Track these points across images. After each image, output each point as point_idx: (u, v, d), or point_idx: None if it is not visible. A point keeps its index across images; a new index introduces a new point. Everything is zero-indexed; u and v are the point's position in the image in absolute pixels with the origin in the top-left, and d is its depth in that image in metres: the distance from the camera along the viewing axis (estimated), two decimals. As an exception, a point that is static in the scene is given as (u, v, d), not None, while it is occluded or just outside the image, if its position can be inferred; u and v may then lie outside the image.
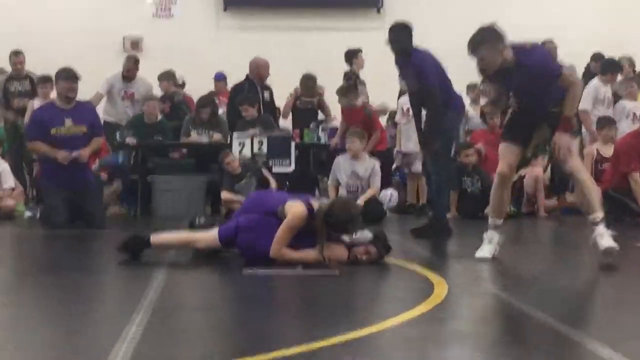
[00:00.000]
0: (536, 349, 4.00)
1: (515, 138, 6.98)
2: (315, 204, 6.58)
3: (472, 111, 13.32)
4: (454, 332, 4.28)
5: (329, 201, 6.78)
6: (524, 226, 10.53)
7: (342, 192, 11.05)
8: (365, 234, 6.68)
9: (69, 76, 9.97)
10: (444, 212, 9.33)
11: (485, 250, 6.95)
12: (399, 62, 9.15)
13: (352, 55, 13.11)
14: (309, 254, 6.49)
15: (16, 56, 13.32)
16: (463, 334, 4.24)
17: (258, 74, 12.71)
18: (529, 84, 6.72)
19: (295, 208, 6.47)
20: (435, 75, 8.93)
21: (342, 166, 11.20)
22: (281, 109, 13.40)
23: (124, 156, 12.20)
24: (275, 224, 6.50)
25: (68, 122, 9.93)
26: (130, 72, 13.15)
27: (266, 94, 12.76)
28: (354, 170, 11.13)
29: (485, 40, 6.60)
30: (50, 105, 10.31)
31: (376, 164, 11.29)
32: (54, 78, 10.53)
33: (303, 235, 6.50)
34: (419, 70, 8.92)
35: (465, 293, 5.57)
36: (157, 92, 13.65)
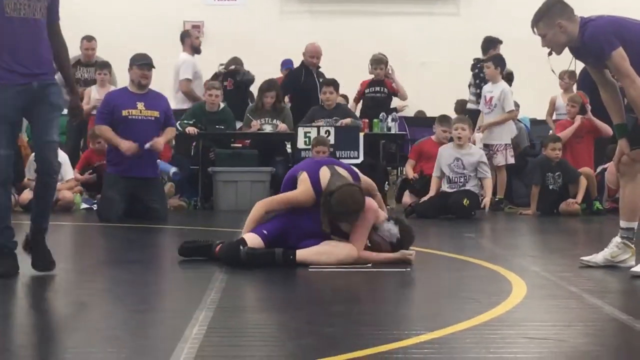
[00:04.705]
0: (621, 354, 3.96)
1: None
2: (326, 180, 6.53)
3: (560, 100, 13.12)
4: (533, 335, 4.24)
5: (338, 184, 6.47)
6: (607, 223, 10.38)
7: (445, 185, 10.90)
8: (393, 233, 6.60)
9: (143, 64, 10.35)
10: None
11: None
12: None
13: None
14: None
15: (88, 41, 13.32)
16: (543, 337, 4.21)
17: (307, 60, 12.96)
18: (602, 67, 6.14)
19: (304, 186, 6.57)
20: None
21: (444, 155, 10.96)
22: (349, 97, 13.48)
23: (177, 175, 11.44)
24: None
25: (140, 105, 10.32)
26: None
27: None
28: (459, 157, 10.90)
29: (541, 16, 6.07)
30: (124, 90, 10.75)
31: (483, 153, 11.14)
32: (128, 63, 10.68)
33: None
34: None
35: (545, 294, 5.53)
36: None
